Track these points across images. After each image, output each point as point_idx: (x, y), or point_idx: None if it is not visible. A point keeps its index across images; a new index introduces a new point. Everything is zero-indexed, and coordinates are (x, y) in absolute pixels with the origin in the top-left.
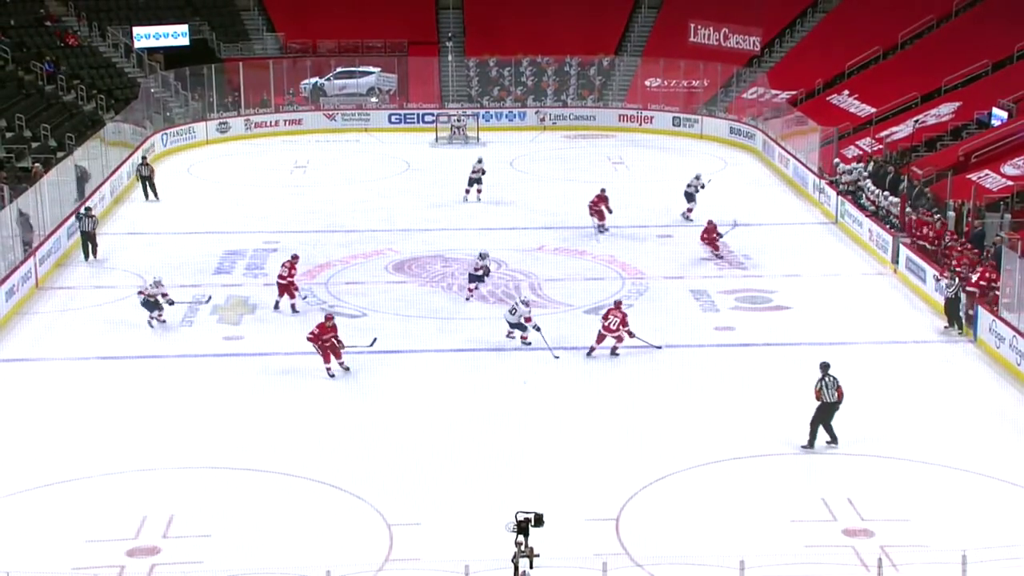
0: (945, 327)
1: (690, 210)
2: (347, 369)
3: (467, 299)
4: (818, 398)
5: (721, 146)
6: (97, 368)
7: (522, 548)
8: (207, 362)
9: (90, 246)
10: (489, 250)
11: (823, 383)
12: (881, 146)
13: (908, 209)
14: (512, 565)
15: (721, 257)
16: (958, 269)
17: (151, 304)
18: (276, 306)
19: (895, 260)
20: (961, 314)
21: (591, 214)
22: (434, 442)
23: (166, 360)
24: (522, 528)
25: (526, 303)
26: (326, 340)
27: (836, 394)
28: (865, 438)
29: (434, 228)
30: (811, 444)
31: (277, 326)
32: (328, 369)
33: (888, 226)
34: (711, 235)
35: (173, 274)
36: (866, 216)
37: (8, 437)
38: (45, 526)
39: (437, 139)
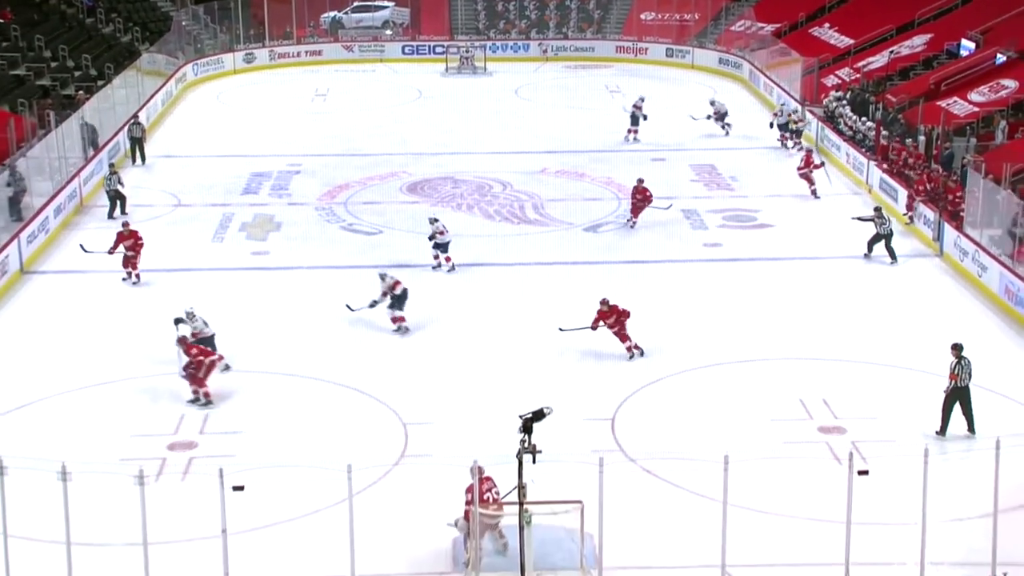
0: (865, 254)
1: (634, 131)
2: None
3: (436, 267)
4: (952, 380)
5: (710, 75)
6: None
7: (525, 445)
8: (236, 275)
9: (138, 151)
10: (495, 172)
11: (959, 366)
12: (858, 75)
13: (883, 133)
14: (516, 460)
15: (817, 197)
16: (918, 198)
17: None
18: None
19: (869, 182)
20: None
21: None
22: (444, 349)
23: (199, 272)
24: (526, 426)
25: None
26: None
27: (971, 377)
28: (838, 344)
29: (444, 152)
30: (943, 431)
31: (301, 242)
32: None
33: (864, 149)
34: (808, 168)
35: (204, 194)
36: (843, 140)
37: (58, 342)
38: (95, 422)
39: (447, 69)
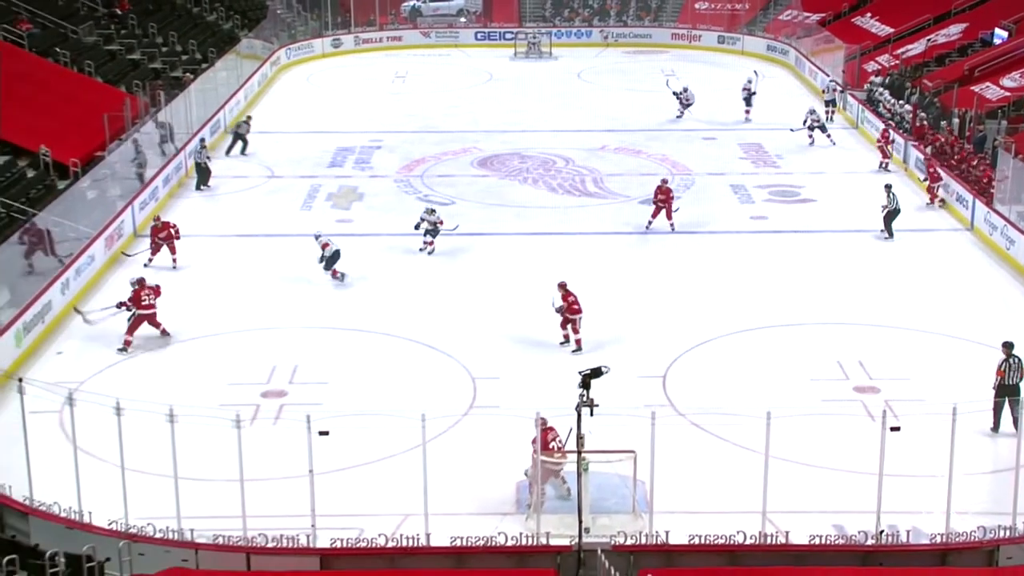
0: (881, 230)
1: (748, 112)
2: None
3: (427, 251)
4: (999, 376)
5: (759, 61)
6: (234, 244)
7: (584, 399)
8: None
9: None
10: (559, 149)
11: (1007, 363)
12: (897, 61)
13: (920, 115)
14: (576, 413)
15: (886, 168)
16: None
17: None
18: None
19: (905, 160)
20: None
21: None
22: (511, 310)
23: (289, 238)
24: (585, 382)
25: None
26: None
27: (1019, 376)
28: (874, 311)
29: (513, 129)
30: (996, 427)
31: (381, 211)
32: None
33: (901, 130)
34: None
35: (294, 167)
36: (883, 122)
37: (165, 298)
38: (197, 371)
39: (516, 54)
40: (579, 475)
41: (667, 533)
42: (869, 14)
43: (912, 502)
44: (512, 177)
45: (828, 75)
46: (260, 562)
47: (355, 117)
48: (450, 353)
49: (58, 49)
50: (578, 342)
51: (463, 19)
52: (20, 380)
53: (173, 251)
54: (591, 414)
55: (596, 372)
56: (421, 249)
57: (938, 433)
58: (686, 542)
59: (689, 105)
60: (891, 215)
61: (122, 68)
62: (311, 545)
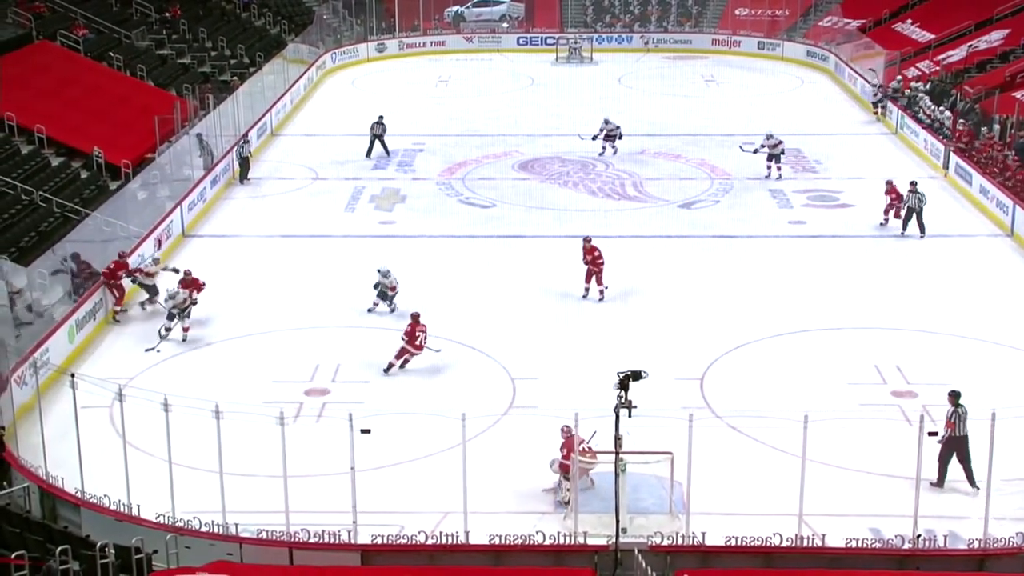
0: (901, 234)
1: (777, 168)
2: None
3: (370, 310)
4: (948, 428)
5: (799, 67)
6: (279, 244)
7: (622, 400)
8: (365, 242)
9: (243, 170)
10: (599, 155)
11: (956, 415)
12: (938, 68)
13: (960, 121)
14: (614, 414)
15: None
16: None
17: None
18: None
19: (946, 166)
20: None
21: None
22: (551, 312)
23: (332, 239)
24: (623, 384)
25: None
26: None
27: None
28: (912, 316)
29: (553, 134)
30: (940, 483)
31: (423, 214)
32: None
33: (941, 136)
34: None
35: (339, 169)
36: (922, 127)
37: (212, 298)
38: (242, 369)
39: (557, 59)
40: (616, 475)
41: (703, 534)
42: (910, 20)
43: (950, 507)
44: (552, 180)
45: (873, 81)
46: (302, 557)
47: (398, 120)
48: (490, 354)
49: (112, 53)
50: (602, 292)
51: (505, 24)
52: (72, 376)
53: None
54: (629, 415)
55: (635, 375)
56: (369, 310)
57: (976, 438)
58: (722, 543)
59: (613, 139)
60: (919, 213)
61: (173, 72)
62: (352, 541)
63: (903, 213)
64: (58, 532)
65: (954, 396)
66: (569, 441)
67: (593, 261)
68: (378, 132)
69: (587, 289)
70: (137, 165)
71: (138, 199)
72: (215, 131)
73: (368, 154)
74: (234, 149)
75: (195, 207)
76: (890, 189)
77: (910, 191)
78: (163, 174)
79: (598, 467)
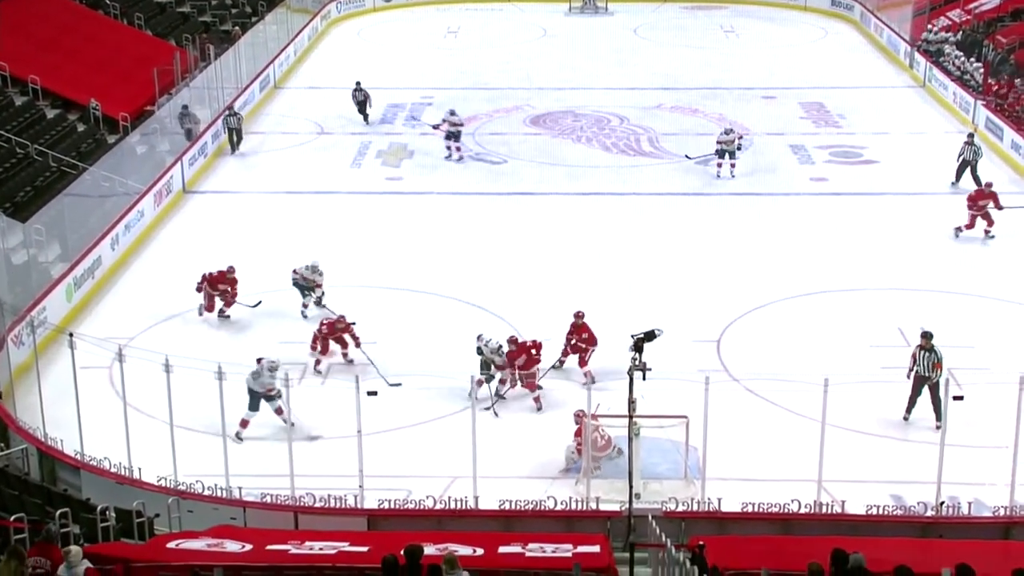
0: (952, 183)
1: (731, 165)
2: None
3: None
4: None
5: (822, 17)
6: (283, 200)
7: (637, 363)
8: (372, 198)
9: (235, 140)
10: (612, 107)
11: (923, 353)
12: (969, 17)
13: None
14: (628, 376)
15: (992, 236)
16: None
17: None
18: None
19: (974, 120)
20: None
21: None
22: (562, 271)
23: (338, 195)
24: (637, 345)
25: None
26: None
27: (933, 368)
28: (938, 276)
29: (566, 87)
30: (904, 415)
31: (431, 170)
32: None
33: (970, 89)
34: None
35: (346, 124)
36: (951, 80)
37: (214, 255)
38: (246, 329)
39: (571, 9)
40: (631, 440)
41: (719, 500)
42: None
43: (974, 473)
44: (565, 135)
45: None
46: (308, 521)
47: (406, 73)
48: (500, 314)
49: (108, 1)
50: (587, 374)
51: None
52: (71, 335)
53: (228, 305)
54: (644, 378)
55: (649, 335)
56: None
57: (1003, 403)
58: (738, 510)
59: (454, 134)
60: (964, 165)
61: (172, 21)
62: (359, 506)
63: (957, 164)
64: (57, 495)
65: (925, 336)
66: (582, 428)
67: (582, 342)
68: (359, 99)
69: (561, 362)
70: (136, 118)
71: (137, 153)
72: (216, 83)
73: (366, 120)
74: (220, 119)
75: (196, 162)
76: (977, 196)
77: (966, 143)
78: (163, 127)
79: (611, 431)
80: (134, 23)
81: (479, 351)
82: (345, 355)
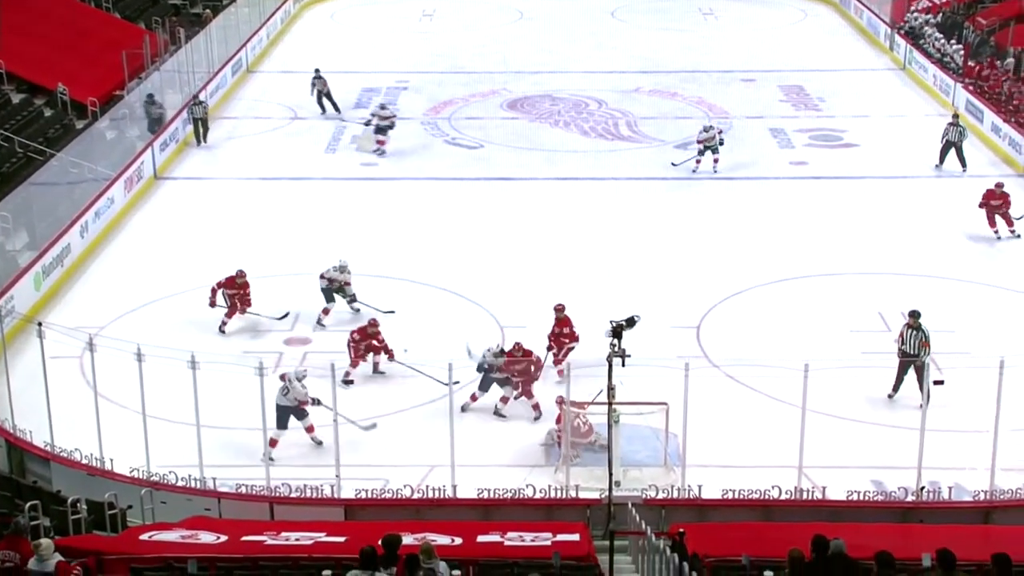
0: (936, 165)
1: (714, 160)
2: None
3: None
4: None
5: None
6: (256, 187)
7: (616, 349)
8: (347, 184)
9: (202, 131)
10: (590, 90)
11: (910, 332)
12: None
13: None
14: (607, 363)
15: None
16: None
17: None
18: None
19: (954, 103)
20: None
21: None
22: (539, 258)
23: (313, 181)
24: (616, 332)
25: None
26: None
27: (921, 347)
28: (918, 260)
29: (543, 71)
30: (891, 394)
31: (408, 156)
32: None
33: (950, 71)
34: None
35: (318, 108)
36: (931, 62)
37: (187, 241)
38: (219, 317)
39: None
40: (610, 427)
41: (700, 487)
42: None
43: (955, 458)
44: (543, 120)
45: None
46: (284, 512)
47: (381, 57)
48: (478, 301)
49: None
50: (560, 372)
51: None
52: (40, 324)
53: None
54: (623, 365)
55: (629, 322)
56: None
57: (984, 387)
58: (719, 496)
59: (383, 128)
60: (948, 146)
61: (141, 4)
62: (335, 495)
63: (941, 146)
64: (27, 487)
65: (913, 315)
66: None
67: (565, 336)
68: (321, 88)
69: (557, 360)
70: (105, 103)
71: (106, 139)
72: (187, 67)
73: (336, 109)
74: (186, 110)
75: (168, 148)
76: (988, 196)
77: (950, 124)
78: (132, 112)
79: (593, 418)
80: (102, 5)
81: (479, 368)
82: (376, 364)
